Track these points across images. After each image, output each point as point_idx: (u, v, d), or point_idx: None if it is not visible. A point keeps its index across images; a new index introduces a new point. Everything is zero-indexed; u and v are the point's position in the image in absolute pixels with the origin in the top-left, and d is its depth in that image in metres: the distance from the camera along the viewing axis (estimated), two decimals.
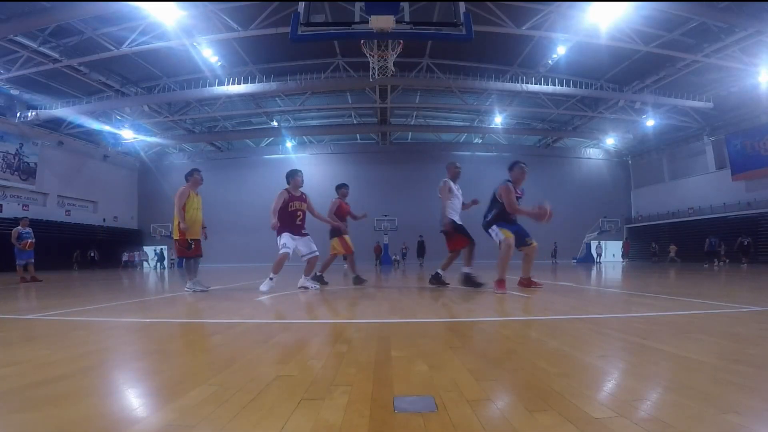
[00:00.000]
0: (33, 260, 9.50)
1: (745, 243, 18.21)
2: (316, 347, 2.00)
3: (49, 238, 19.17)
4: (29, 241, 9.46)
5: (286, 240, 5.35)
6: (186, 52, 16.90)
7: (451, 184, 5.48)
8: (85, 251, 24.21)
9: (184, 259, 5.71)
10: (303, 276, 5.58)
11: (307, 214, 5.66)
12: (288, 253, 5.28)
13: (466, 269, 5.39)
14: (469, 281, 5.24)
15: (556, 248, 25.50)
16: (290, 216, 5.41)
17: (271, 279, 5.18)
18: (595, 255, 26.78)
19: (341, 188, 6.80)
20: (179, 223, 5.46)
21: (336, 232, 6.52)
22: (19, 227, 9.60)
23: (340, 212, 6.57)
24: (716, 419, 1.05)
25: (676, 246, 22.99)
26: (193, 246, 5.62)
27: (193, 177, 5.76)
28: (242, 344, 2.20)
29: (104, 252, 25.90)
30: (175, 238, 5.60)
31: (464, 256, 5.43)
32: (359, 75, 19.34)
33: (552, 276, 8.81)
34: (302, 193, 5.60)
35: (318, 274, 6.34)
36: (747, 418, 1.05)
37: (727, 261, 19.64)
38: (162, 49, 16.35)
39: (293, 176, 5.57)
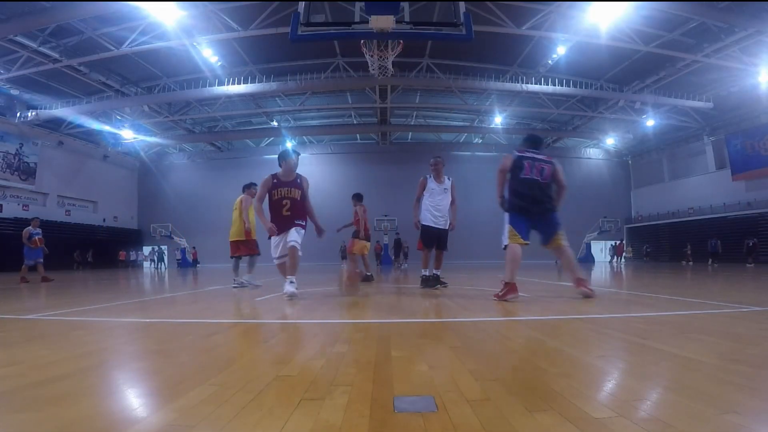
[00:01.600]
0: (42, 260, 9.52)
1: (751, 244, 18.44)
2: (316, 347, 2.00)
3: (49, 238, 19.11)
4: (37, 237, 9.48)
5: (274, 250, 4.60)
6: (186, 52, 16.91)
7: (429, 180, 5.48)
8: (85, 251, 24.26)
9: (249, 257, 6.54)
10: (287, 276, 4.40)
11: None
12: (280, 263, 4.59)
13: (424, 271, 5.52)
14: (424, 282, 5.45)
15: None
16: (274, 207, 4.45)
17: (291, 282, 4.37)
18: (610, 255, 26.56)
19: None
20: (244, 225, 6.33)
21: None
22: (30, 227, 9.62)
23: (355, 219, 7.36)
24: (716, 419, 1.04)
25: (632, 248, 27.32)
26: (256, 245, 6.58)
27: (250, 189, 6.42)
28: (242, 344, 2.20)
29: (104, 252, 25.97)
30: (242, 239, 6.39)
31: (423, 257, 5.51)
32: (359, 75, 19.36)
33: (554, 276, 8.81)
34: (297, 178, 4.59)
35: (367, 273, 7.11)
36: (747, 418, 1.05)
37: (692, 262, 21.04)
38: (162, 49, 16.36)
39: (285, 158, 4.54)
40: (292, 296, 4.20)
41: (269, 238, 4.52)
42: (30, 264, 9.35)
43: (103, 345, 2.19)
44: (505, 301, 3.80)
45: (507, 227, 4.02)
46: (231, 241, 6.47)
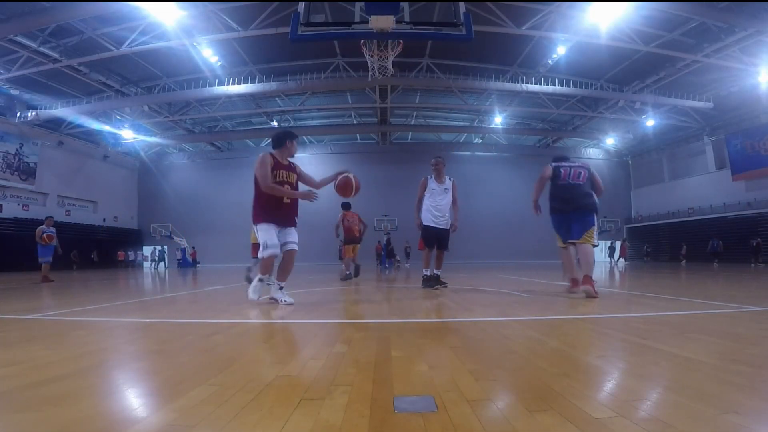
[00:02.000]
0: (50, 260, 9.50)
1: (754, 244, 18.53)
2: (316, 347, 2.00)
3: None
4: (46, 234, 9.44)
5: (265, 236, 3.73)
6: (186, 52, 16.91)
7: (430, 180, 5.50)
8: (89, 251, 24.37)
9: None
10: (276, 281, 3.94)
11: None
12: (274, 255, 3.75)
13: (425, 270, 5.55)
14: (425, 281, 5.48)
15: None
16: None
17: (260, 280, 3.80)
18: (616, 256, 26.29)
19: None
20: None
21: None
22: (43, 226, 9.59)
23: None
24: (716, 419, 1.05)
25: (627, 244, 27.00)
26: None
27: None
28: (242, 344, 2.20)
29: (104, 252, 26.10)
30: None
31: (424, 257, 5.55)
32: (359, 75, 19.34)
33: (554, 276, 8.82)
34: (291, 162, 4.04)
35: (354, 267, 8.02)
36: (747, 418, 1.05)
37: (685, 260, 21.52)
38: (162, 49, 16.36)
39: (293, 138, 4.02)
40: (283, 304, 3.78)
41: (256, 223, 3.79)
42: (47, 261, 9.32)
43: (103, 345, 2.19)
44: (573, 293, 4.35)
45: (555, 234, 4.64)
46: (254, 243, 6.58)
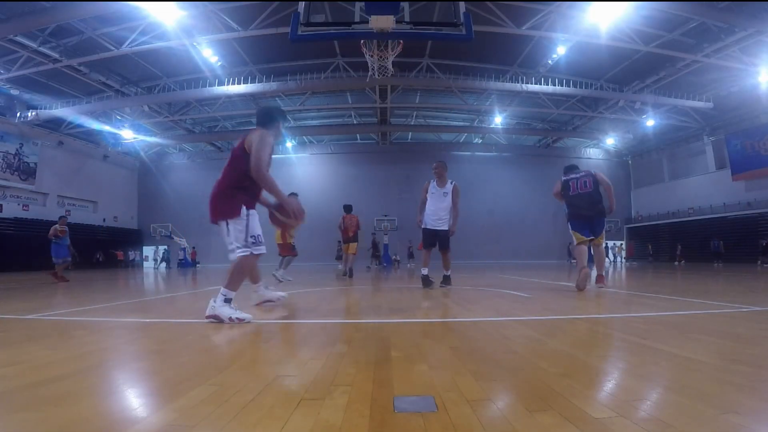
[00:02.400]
0: (69, 259, 9.46)
1: (764, 243, 18.68)
2: (316, 347, 2.00)
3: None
4: (55, 227, 9.41)
5: (258, 228, 2.95)
6: (186, 52, 16.90)
7: (432, 184, 5.58)
8: (82, 251, 24.42)
9: (286, 257, 7.66)
10: (253, 284, 3.76)
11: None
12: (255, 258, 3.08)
13: (424, 270, 5.65)
14: (424, 281, 5.57)
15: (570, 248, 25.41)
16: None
17: (228, 301, 2.87)
18: (611, 256, 26.21)
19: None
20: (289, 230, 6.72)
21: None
22: (56, 225, 9.57)
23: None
24: (716, 419, 1.05)
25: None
26: (294, 247, 7.76)
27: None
28: (242, 344, 2.20)
29: (104, 252, 26.19)
30: (279, 242, 7.46)
31: (422, 257, 5.71)
32: (359, 75, 19.34)
33: (554, 276, 8.82)
34: None
35: (349, 268, 8.80)
36: (747, 418, 1.05)
37: (683, 261, 21.62)
38: (162, 49, 16.35)
39: (283, 120, 3.26)
40: (280, 300, 3.90)
41: (243, 207, 2.91)
42: (59, 263, 9.28)
43: (103, 345, 2.19)
44: (580, 288, 4.84)
45: (572, 233, 5.27)
46: (280, 243, 7.51)
